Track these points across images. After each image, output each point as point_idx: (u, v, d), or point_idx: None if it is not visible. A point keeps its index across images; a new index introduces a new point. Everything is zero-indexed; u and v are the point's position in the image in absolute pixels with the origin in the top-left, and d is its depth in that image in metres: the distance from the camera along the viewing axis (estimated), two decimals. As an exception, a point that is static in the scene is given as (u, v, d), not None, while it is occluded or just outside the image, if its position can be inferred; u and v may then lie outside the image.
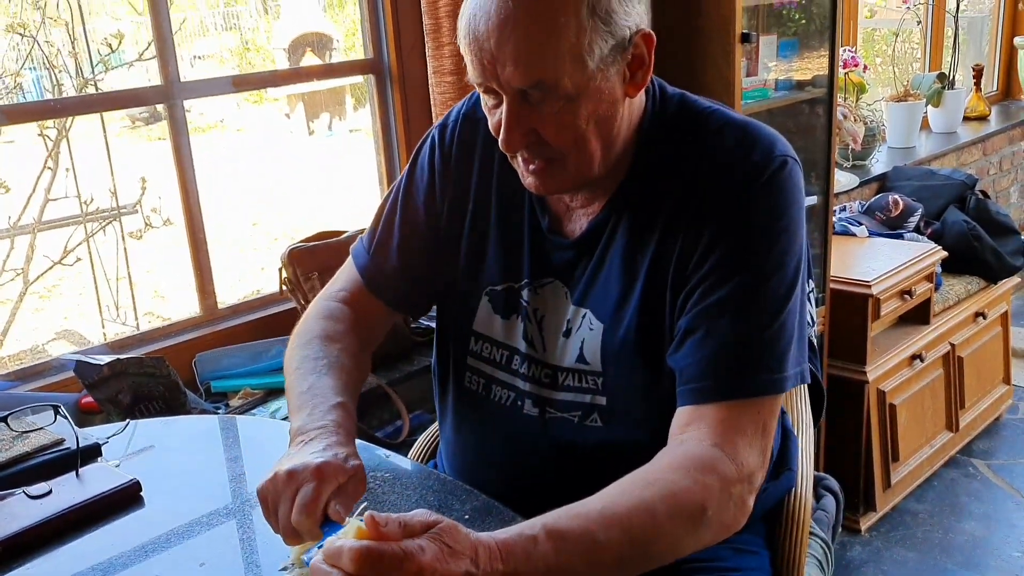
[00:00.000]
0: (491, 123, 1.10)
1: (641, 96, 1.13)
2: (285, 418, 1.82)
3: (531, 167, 1.10)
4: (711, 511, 0.96)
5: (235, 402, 1.87)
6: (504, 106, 1.05)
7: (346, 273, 1.33)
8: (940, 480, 2.89)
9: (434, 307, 1.35)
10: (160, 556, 1.06)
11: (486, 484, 1.22)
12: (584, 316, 1.16)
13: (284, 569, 1.01)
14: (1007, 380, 3.22)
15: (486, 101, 1.10)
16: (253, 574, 1.02)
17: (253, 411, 1.84)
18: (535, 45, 1.00)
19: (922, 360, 2.76)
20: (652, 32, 1.07)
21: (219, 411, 1.83)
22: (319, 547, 0.96)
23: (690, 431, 1.03)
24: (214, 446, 1.36)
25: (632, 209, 1.14)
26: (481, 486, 1.20)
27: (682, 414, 1.05)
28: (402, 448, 1.91)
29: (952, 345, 2.90)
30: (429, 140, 1.29)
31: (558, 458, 1.18)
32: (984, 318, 3.03)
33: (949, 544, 2.58)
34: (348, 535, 0.82)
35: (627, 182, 1.14)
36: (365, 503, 0.93)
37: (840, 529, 1.49)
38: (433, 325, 2.15)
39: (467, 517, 1.08)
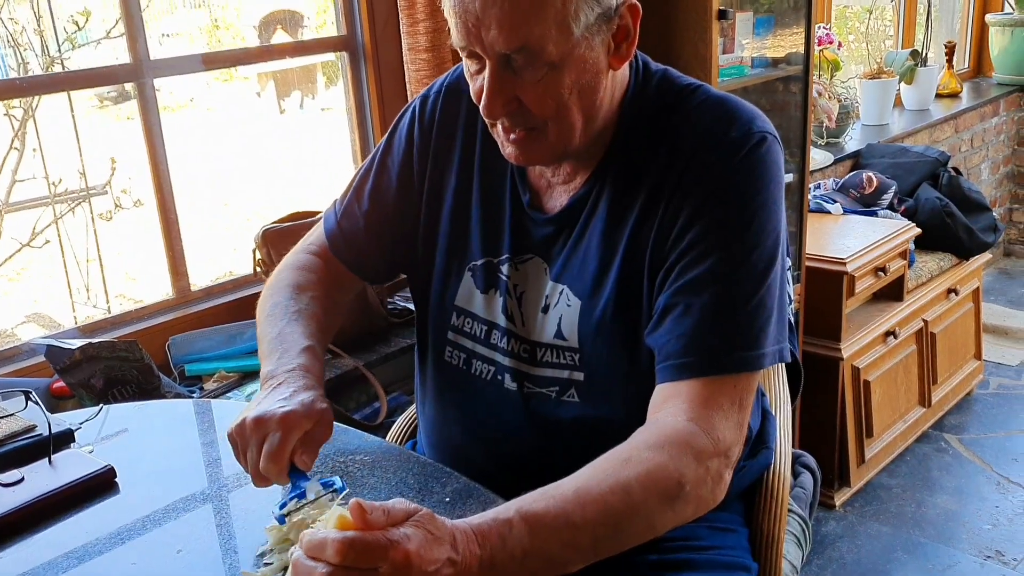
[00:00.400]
0: (472, 89, 1.09)
1: (625, 71, 1.12)
2: (261, 401, 1.81)
3: (511, 136, 1.09)
4: (688, 486, 0.96)
5: (209, 385, 1.85)
6: (487, 71, 1.04)
7: (317, 232, 1.35)
8: (913, 455, 2.93)
9: (407, 282, 1.35)
10: (136, 543, 1.05)
11: (466, 459, 1.22)
12: (562, 292, 1.16)
13: (262, 555, 1.00)
14: (978, 355, 3.25)
15: (468, 67, 1.08)
16: (231, 560, 1.01)
17: (228, 394, 1.82)
18: (521, 9, 0.98)
19: (896, 336, 2.79)
20: (638, 3, 1.06)
21: (193, 395, 1.81)
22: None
23: (667, 407, 1.03)
24: (189, 430, 1.34)
25: (612, 185, 1.13)
26: (461, 461, 1.21)
27: (660, 391, 1.05)
28: (380, 430, 1.90)
29: (925, 321, 2.92)
30: (410, 111, 1.28)
31: (537, 433, 1.18)
32: (956, 294, 3.06)
33: (922, 518, 2.62)
34: (331, 524, 0.81)
35: (608, 158, 1.13)
36: (347, 490, 0.93)
37: (817, 505, 1.50)
38: (410, 306, 2.15)
39: (448, 500, 1.08)
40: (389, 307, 2.08)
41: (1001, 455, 2.92)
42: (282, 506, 0.99)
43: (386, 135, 1.30)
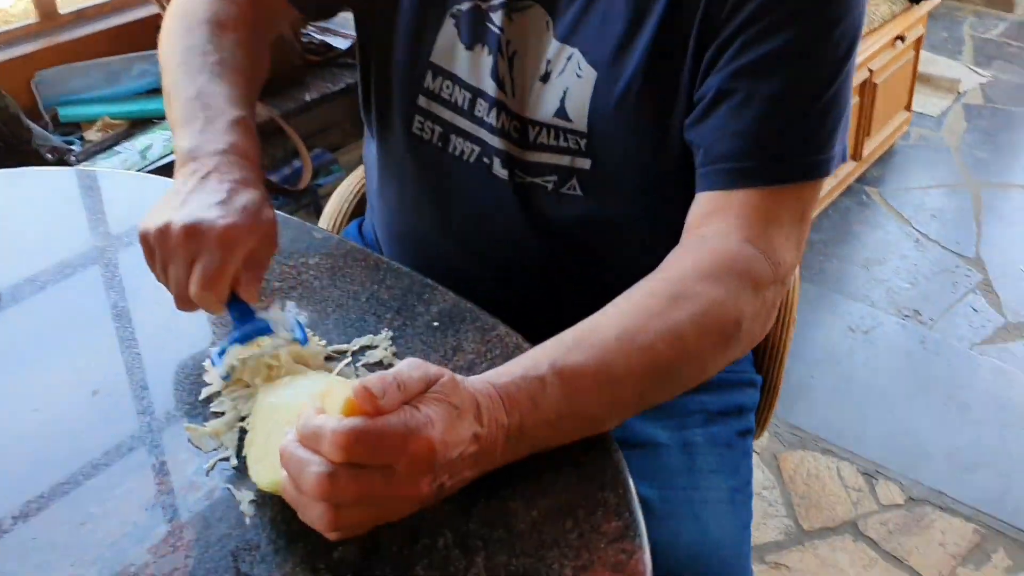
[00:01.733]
0: None
1: None
2: (155, 161, 1.51)
3: None
4: (745, 324, 0.79)
5: (92, 135, 1.52)
6: None
7: None
8: (835, 209, 2.88)
9: (347, 16, 1.05)
10: (37, 380, 0.82)
11: (439, 258, 1.01)
12: (571, 58, 0.90)
13: (207, 400, 0.79)
14: (908, 107, 3.15)
15: None
16: (160, 404, 0.79)
17: (117, 147, 1.51)
18: None
19: (842, 88, 2.62)
20: None
21: (73, 147, 1.49)
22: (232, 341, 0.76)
23: (714, 223, 0.83)
24: (77, 215, 1.06)
25: None
26: (432, 260, 1.00)
27: (704, 201, 0.85)
28: (304, 195, 1.65)
29: (871, 71, 2.76)
30: None
31: (530, 231, 0.97)
32: (903, 42, 2.88)
33: (844, 275, 2.60)
34: (334, 408, 0.60)
35: None
36: (349, 359, 0.70)
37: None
38: (332, 42, 1.81)
39: (436, 324, 0.87)
40: (305, 43, 1.74)
41: (920, 210, 2.90)
42: (221, 352, 0.78)
43: None
